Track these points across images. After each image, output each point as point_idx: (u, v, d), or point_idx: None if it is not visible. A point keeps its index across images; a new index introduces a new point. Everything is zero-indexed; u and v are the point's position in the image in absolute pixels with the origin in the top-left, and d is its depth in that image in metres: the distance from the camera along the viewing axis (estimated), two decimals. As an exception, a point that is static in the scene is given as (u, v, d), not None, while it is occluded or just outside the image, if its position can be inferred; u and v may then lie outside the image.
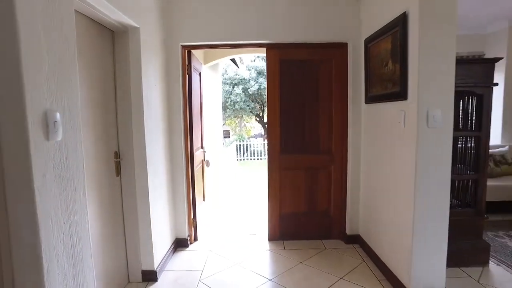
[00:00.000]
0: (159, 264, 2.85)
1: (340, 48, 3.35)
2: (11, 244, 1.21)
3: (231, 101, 16.86)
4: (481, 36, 5.38)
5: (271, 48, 3.39)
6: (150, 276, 2.73)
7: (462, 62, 2.72)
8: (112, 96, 2.49)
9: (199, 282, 2.76)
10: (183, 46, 3.28)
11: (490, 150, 4.57)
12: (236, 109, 17.15)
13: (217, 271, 2.96)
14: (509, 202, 4.05)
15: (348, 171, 3.42)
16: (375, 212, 3.03)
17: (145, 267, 2.72)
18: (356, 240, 3.44)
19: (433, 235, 2.32)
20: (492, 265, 2.91)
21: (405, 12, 2.35)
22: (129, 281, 2.71)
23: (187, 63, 3.35)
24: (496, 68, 5.10)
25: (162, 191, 3.03)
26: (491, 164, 4.51)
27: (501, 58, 2.75)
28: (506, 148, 4.68)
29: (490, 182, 4.22)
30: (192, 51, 3.43)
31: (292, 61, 3.41)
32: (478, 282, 2.65)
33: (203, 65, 4.27)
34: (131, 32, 2.51)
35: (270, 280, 2.78)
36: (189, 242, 3.47)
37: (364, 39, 3.16)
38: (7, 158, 1.18)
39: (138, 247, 2.68)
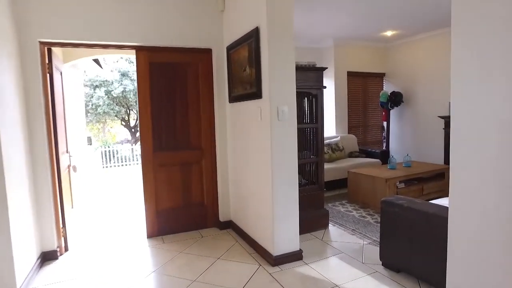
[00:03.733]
0: (23, 283, 2.61)
1: (206, 53, 3.71)
2: None
3: (92, 105, 15.47)
4: (318, 49, 6.65)
5: (141, 50, 3.49)
6: (14, 295, 2.48)
7: (301, 69, 3.43)
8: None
9: (76, 288, 2.67)
10: (41, 43, 3.05)
11: (328, 140, 5.72)
12: (99, 113, 15.83)
13: (93, 277, 2.90)
14: (342, 179, 5.19)
15: (217, 164, 3.82)
16: (242, 198, 3.50)
17: None
18: (229, 225, 3.87)
19: (287, 208, 2.90)
20: (331, 226, 3.75)
21: (257, 26, 2.85)
22: (-13, 304, 2.42)
23: (47, 62, 3.14)
24: (329, 75, 6.33)
25: (24, 199, 2.78)
26: (329, 151, 5.66)
27: (326, 68, 3.60)
28: (338, 138, 5.94)
29: (329, 165, 5.31)
30: (53, 48, 3.22)
31: (162, 63, 3.59)
32: (321, 240, 3.41)
33: (63, 64, 3.99)
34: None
35: (154, 271, 2.91)
36: (59, 254, 3.24)
37: (226, 46, 3.60)
38: None
39: (-3, 263, 2.41)
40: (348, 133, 6.65)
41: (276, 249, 2.89)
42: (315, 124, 3.62)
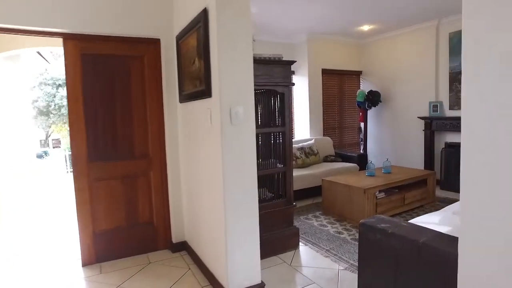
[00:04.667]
0: None
1: (153, 44, 3.11)
2: None
3: (55, 105, 14.43)
4: (290, 45, 6.15)
5: (70, 39, 2.85)
6: None
7: (264, 62, 2.90)
8: None
9: None
10: None
11: (301, 144, 5.22)
12: (63, 114, 14.80)
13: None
14: (316, 187, 4.70)
15: (168, 175, 3.22)
16: (196, 216, 2.93)
17: None
18: (183, 247, 3.28)
19: (245, 230, 2.34)
20: (302, 246, 3.23)
21: (205, 7, 2.29)
22: None
23: None
24: (302, 72, 5.84)
25: None
26: (303, 155, 5.16)
27: (294, 62, 3.08)
28: (313, 141, 5.45)
29: (302, 172, 4.80)
30: None
31: (98, 56, 2.96)
32: (290, 265, 2.87)
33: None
34: None
35: (74, 317, 2.30)
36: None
37: (175, 35, 3.02)
38: None
39: None
40: (323, 135, 6.19)
41: (232, 282, 2.32)
42: (281, 127, 3.08)
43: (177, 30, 2.96)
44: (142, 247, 3.23)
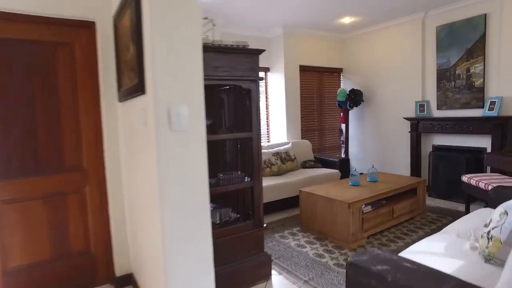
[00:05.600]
0: None
1: (87, 28, 2.46)
2: None
3: None
4: (265, 39, 5.58)
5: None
6: None
7: (223, 51, 2.31)
8: None
9: None
10: None
11: (277, 148, 4.66)
12: None
13: None
14: (295, 197, 4.14)
15: (108, 192, 2.58)
16: (138, 243, 2.31)
17: None
18: (129, 281, 2.64)
19: (193, 263, 1.74)
20: (275, 276, 2.66)
21: (138, -27, 1.68)
22: None
23: None
24: (278, 69, 5.30)
25: None
26: (278, 161, 4.60)
27: (263, 51, 2.49)
28: (290, 145, 4.90)
29: (278, 180, 4.25)
30: None
31: (9, 40, 2.29)
32: (259, 305, 2.30)
33: None
34: None
35: None
36: None
37: (113, 14, 2.39)
38: None
39: None
40: (302, 138, 5.65)
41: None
42: (247, 132, 2.50)
43: (115, 7, 2.33)
44: (76, 283, 2.57)
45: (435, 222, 3.72)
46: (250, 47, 2.46)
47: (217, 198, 2.49)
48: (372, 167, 3.97)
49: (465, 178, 3.69)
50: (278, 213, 4.28)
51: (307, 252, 3.06)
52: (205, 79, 1.74)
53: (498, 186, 2.91)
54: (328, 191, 3.50)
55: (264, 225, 2.60)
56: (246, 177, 2.56)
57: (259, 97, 2.51)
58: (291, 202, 4.28)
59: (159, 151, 1.58)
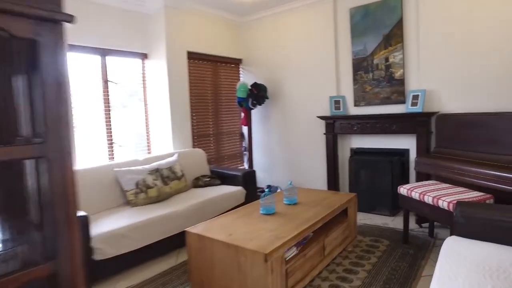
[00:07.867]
0: None
1: None
2: None
3: None
4: (140, 15, 4.06)
5: None
6: None
7: None
8: None
9: None
10: None
11: (156, 163, 3.22)
12: None
13: None
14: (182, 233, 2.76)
15: None
16: None
17: None
18: None
19: None
20: None
21: None
22: None
23: None
24: (158, 55, 3.86)
25: None
26: (159, 182, 3.16)
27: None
28: (175, 157, 3.50)
29: (159, 211, 2.81)
30: None
31: None
32: None
33: None
34: None
35: None
36: None
37: None
38: None
39: None
40: (193, 146, 4.30)
41: None
42: (37, 146, 1.03)
43: None
44: None
45: (372, 251, 2.80)
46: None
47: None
48: (290, 183, 2.85)
49: (403, 190, 2.87)
50: (159, 260, 2.84)
51: None
52: None
53: (460, 203, 2.04)
54: (232, 230, 2.22)
55: None
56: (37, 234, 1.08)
57: (66, 67, 1.06)
58: (179, 241, 2.89)
59: None
